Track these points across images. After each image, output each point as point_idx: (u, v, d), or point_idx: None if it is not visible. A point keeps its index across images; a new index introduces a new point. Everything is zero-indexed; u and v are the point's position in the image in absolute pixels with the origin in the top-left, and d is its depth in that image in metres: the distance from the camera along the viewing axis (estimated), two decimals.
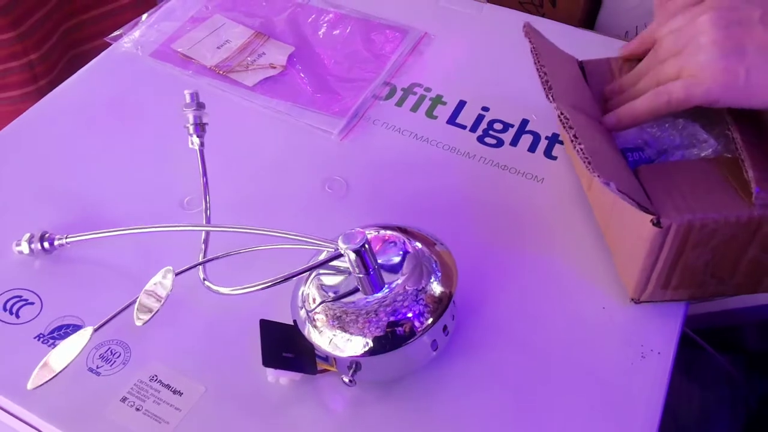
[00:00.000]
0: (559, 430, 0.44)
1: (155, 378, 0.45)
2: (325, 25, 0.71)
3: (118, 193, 0.57)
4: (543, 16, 0.80)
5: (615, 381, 0.46)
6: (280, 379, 0.45)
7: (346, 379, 0.43)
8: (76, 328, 0.47)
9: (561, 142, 0.60)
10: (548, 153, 0.59)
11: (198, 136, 0.52)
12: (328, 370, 0.45)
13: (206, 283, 0.46)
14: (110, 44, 0.69)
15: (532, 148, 0.59)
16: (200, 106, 0.52)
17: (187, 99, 0.52)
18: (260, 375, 0.45)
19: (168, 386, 0.45)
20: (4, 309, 0.49)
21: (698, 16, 0.45)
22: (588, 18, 0.86)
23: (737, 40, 0.43)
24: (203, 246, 0.49)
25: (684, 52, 0.45)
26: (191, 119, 0.51)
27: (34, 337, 0.48)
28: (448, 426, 0.44)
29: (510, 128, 0.61)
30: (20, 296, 0.50)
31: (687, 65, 0.45)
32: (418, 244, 0.46)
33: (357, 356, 0.43)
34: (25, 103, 0.98)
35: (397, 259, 0.45)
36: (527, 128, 0.61)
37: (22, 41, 0.90)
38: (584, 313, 0.49)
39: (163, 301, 0.44)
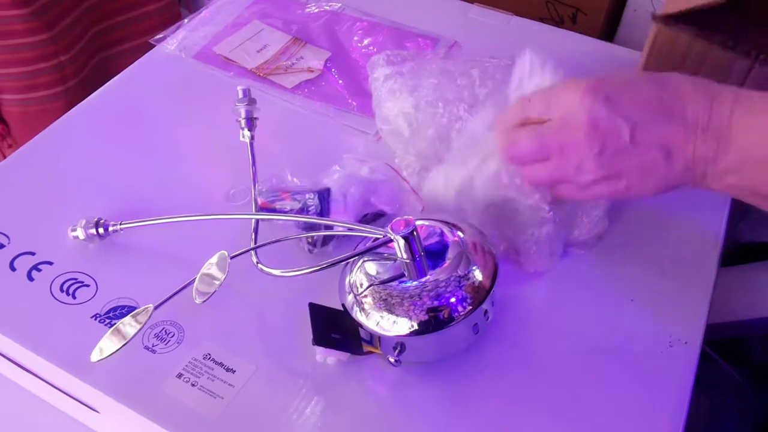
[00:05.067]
0: (591, 413, 0.46)
1: (209, 356, 0.48)
2: (359, 32, 0.74)
3: (163, 186, 0.59)
4: None
5: (644, 368, 0.48)
6: (328, 358, 0.47)
7: (392, 359, 0.46)
8: (131, 309, 0.50)
9: None
10: None
11: (249, 130, 0.54)
12: (372, 352, 0.48)
13: (259, 265, 0.49)
14: (136, 48, 0.72)
15: None
16: (251, 101, 0.55)
17: (240, 95, 0.55)
18: (308, 356, 0.48)
19: (221, 364, 0.47)
20: (61, 290, 0.51)
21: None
22: (608, 32, 0.89)
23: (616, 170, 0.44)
24: (253, 233, 0.52)
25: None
26: (243, 113, 0.54)
27: (91, 317, 0.50)
28: (485, 405, 0.46)
29: None
30: (76, 278, 0.52)
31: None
32: (461, 234, 0.48)
33: (402, 336, 0.45)
34: (54, 104, 1.01)
35: (441, 248, 0.47)
36: None
37: (55, 43, 0.94)
38: (613, 304, 0.51)
39: (221, 281, 0.46)
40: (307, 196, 0.50)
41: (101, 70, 1.08)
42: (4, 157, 1.06)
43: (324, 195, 0.51)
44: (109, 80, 0.69)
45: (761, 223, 0.86)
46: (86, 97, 0.67)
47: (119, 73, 0.69)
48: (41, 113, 1.01)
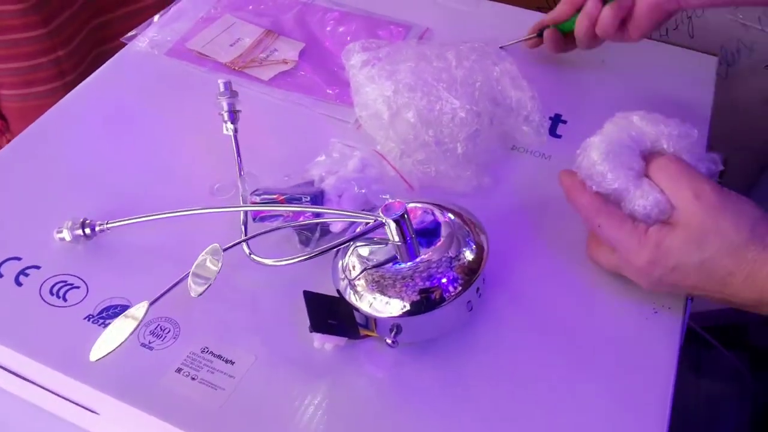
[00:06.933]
0: (582, 381, 0.48)
1: (207, 350, 0.48)
2: (331, 22, 0.74)
3: (146, 184, 0.59)
4: None
5: (631, 334, 0.50)
6: (326, 345, 0.48)
7: (389, 341, 0.46)
8: (124, 308, 0.50)
9: (564, 122, 0.64)
10: (552, 132, 0.63)
11: (232, 122, 0.54)
12: (369, 336, 0.48)
13: (252, 256, 0.49)
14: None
15: None
16: (234, 94, 0.55)
17: (221, 88, 0.55)
18: (306, 343, 0.48)
19: (219, 356, 0.48)
20: (51, 293, 0.51)
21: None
22: None
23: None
24: (243, 226, 0.52)
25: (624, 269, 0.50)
26: (225, 106, 0.54)
27: (84, 318, 0.50)
28: (482, 380, 0.47)
29: None
30: (65, 281, 0.52)
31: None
32: (451, 215, 0.49)
33: (397, 317, 0.46)
34: (52, 99, 0.98)
35: (432, 229, 0.48)
36: None
37: (52, 38, 0.92)
38: (599, 276, 0.53)
39: (216, 274, 0.46)
40: (303, 199, 0.51)
41: (99, 64, 1.05)
42: None
43: (318, 198, 0.51)
44: None
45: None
46: None
47: None
48: (40, 108, 0.98)
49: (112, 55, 0.70)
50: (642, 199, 0.48)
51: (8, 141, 1.03)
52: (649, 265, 0.47)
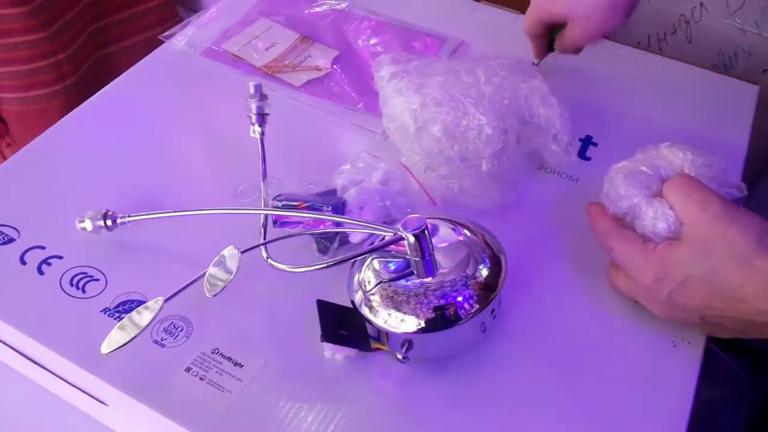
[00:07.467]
0: (597, 410, 0.46)
1: (217, 351, 0.48)
2: (366, 31, 0.74)
3: (171, 182, 0.60)
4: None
5: (649, 366, 0.49)
6: (336, 355, 0.48)
7: (400, 356, 0.46)
8: (140, 303, 0.50)
9: (595, 144, 0.63)
10: (582, 153, 0.62)
11: (260, 125, 0.55)
12: (380, 349, 0.48)
13: (269, 260, 0.49)
14: (133, 46, 0.72)
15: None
16: (263, 97, 0.55)
17: (251, 90, 0.55)
18: (316, 351, 0.48)
19: (229, 358, 0.48)
20: (71, 284, 0.52)
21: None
22: None
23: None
24: (263, 229, 0.52)
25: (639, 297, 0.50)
26: (254, 109, 0.55)
27: (101, 311, 0.50)
28: (491, 403, 0.47)
29: None
30: (86, 273, 0.53)
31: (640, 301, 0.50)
32: (471, 234, 0.49)
33: (410, 334, 0.45)
34: (52, 102, 1.01)
35: (450, 247, 0.48)
36: None
37: (52, 41, 0.94)
38: (619, 303, 0.52)
39: (232, 276, 0.46)
40: (324, 207, 0.51)
41: (99, 68, 1.08)
42: (3, 156, 1.06)
43: (339, 208, 0.51)
44: (106, 78, 0.69)
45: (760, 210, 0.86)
46: (84, 95, 0.67)
47: (116, 71, 0.69)
48: (39, 112, 1.01)
49: (112, 59, 0.71)
50: (652, 216, 0.48)
51: (8, 144, 1.06)
52: (656, 282, 0.46)
